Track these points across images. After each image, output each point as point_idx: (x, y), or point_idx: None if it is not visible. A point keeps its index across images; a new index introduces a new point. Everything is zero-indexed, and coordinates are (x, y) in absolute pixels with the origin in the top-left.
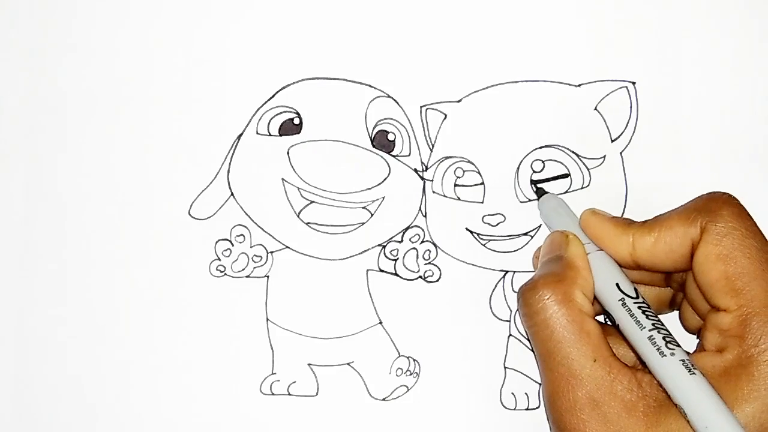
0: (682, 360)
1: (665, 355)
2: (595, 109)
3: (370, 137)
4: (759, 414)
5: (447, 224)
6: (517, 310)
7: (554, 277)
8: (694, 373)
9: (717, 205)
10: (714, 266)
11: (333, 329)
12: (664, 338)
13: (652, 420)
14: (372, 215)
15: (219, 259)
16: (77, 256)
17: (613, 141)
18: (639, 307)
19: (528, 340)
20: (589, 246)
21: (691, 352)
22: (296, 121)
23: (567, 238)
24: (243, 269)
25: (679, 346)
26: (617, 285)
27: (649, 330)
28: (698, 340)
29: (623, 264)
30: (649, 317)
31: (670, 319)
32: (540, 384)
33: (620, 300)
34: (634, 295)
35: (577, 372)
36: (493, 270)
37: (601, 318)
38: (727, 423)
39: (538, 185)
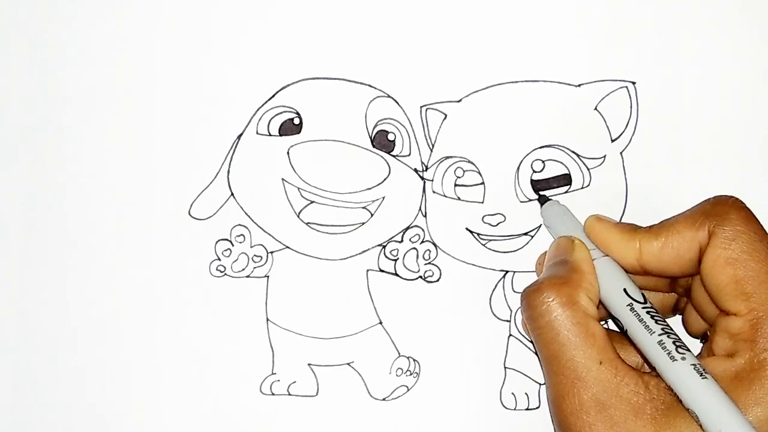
0: (693, 364)
1: (676, 360)
2: (595, 109)
3: (370, 137)
4: None
5: (447, 224)
6: (519, 310)
7: (558, 279)
8: (705, 378)
9: (724, 209)
10: (723, 270)
11: (333, 329)
12: (674, 342)
13: (661, 423)
14: (372, 215)
15: (219, 259)
16: (77, 256)
17: (613, 141)
18: (648, 312)
19: (530, 341)
20: (594, 252)
21: (697, 356)
22: (296, 121)
23: (573, 243)
24: (243, 269)
25: (689, 350)
26: (625, 290)
27: (659, 335)
28: (702, 344)
29: (630, 269)
30: (658, 322)
31: (673, 323)
32: (540, 384)
33: (628, 305)
34: (642, 300)
35: (582, 374)
36: (493, 270)
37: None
38: (741, 427)
39: (540, 192)
